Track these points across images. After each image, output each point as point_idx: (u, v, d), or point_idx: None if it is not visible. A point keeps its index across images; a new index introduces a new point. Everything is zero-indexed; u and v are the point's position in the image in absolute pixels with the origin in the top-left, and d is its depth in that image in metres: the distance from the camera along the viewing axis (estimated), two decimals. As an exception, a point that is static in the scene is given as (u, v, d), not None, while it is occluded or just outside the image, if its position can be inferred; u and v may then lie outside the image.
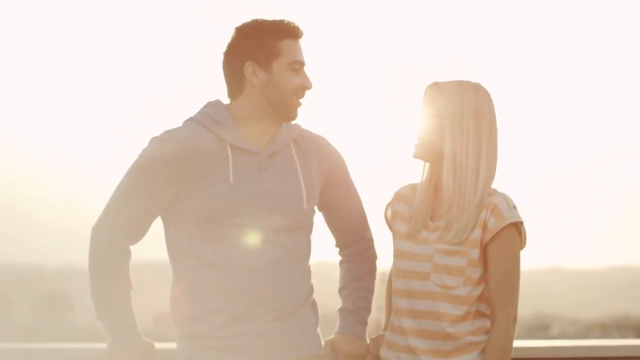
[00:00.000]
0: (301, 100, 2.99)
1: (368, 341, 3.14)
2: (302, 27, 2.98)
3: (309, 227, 3.04)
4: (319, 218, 3.11)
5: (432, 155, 2.99)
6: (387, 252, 3.11)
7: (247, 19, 3.00)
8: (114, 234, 2.94)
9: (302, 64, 2.98)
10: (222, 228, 2.93)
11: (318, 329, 3.08)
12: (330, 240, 3.19)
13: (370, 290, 3.15)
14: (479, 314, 2.98)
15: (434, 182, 3.01)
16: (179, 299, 3.00)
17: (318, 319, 3.08)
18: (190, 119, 3.01)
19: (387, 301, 3.13)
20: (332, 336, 3.13)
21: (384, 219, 3.12)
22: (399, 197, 3.09)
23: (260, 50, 2.94)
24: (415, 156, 3.03)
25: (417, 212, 3.01)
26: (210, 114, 2.98)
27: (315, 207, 3.08)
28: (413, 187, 3.08)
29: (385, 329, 3.11)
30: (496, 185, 3.00)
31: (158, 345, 3.12)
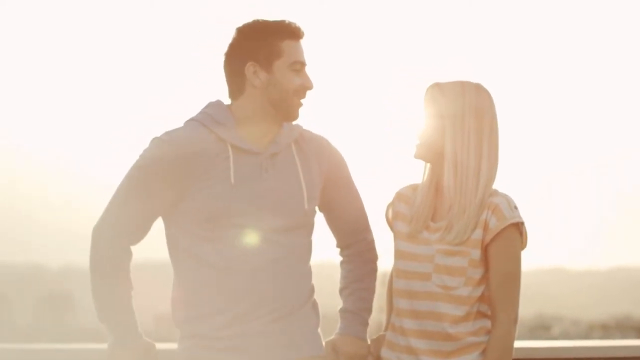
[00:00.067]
0: (302, 101, 2.99)
1: (369, 342, 3.14)
2: (303, 28, 2.98)
3: (309, 227, 3.04)
4: (320, 218, 3.11)
5: (433, 155, 2.99)
6: (388, 252, 3.11)
7: (247, 19, 3.00)
8: (115, 234, 2.94)
9: (303, 64, 2.97)
10: (223, 228, 2.92)
11: (319, 330, 3.08)
12: (331, 240, 3.19)
13: (371, 291, 3.14)
14: (480, 315, 2.97)
15: (435, 183, 3.01)
16: (179, 299, 3.00)
17: (319, 320, 3.08)
18: (191, 119, 3.00)
19: (387, 302, 3.13)
20: (333, 337, 3.13)
21: (384, 220, 3.12)
22: (400, 197, 3.08)
23: (262, 50, 2.94)
24: (417, 156, 3.02)
25: (418, 213, 3.00)
26: (211, 115, 2.98)
27: (316, 208, 3.08)
28: (414, 188, 3.08)
29: (386, 330, 3.11)
30: (497, 185, 3.00)
31: (159, 346, 3.12)
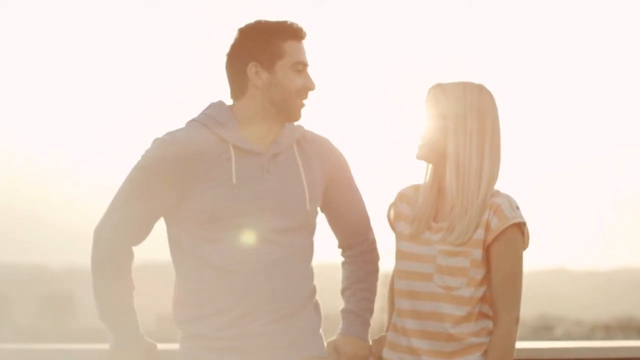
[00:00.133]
0: (304, 101, 2.99)
1: (370, 342, 3.13)
2: (305, 28, 2.97)
3: (311, 228, 3.03)
4: (321, 219, 3.11)
5: (436, 156, 2.99)
6: (389, 253, 3.11)
7: (248, 19, 3.00)
8: (116, 234, 2.94)
9: (305, 65, 2.97)
10: (224, 229, 2.92)
11: (321, 330, 3.07)
12: (333, 241, 3.19)
13: (373, 292, 3.14)
14: (482, 315, 2.97)
15: (437, 183, 3.01)
16: (180, 300, 3.00)
17: (321, 320, 3.07)
18: (193, 120, 3.00)
19: (389, 302, 3.13)
20: (334, 337, 3.13)
21: (385, 220, 3.12)
22: (401, 197, 3.08)
23: (264, 51, 2.94)
24: (419, 157, 3.02)
25: (420, 213, 3.00)
26: (212, 115, 2.98)
27: (318, 208, 3.08)
28: (416, 188, 3.07)
29: (387, 330, 3.10)
30: (498, 185, 3.00)
31: (161, 346, 3.11)
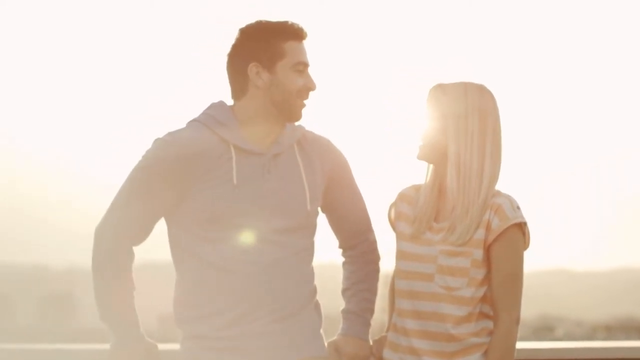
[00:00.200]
0: (305, 102, 2.99)
1: (371, 342, 3.13)
2: (305, 28, 2.97)
3: (312, 228, 3.03)
4: (322, 219, 3.10)
5: (437, 156, 2.98)
6: (390, 253, 3.11)
7: (247, 19, 3.00)
8: (117, 234, 2.94)
9: (306, 65, 2.97)
10: (225, 229, 2.92)
11: (321, 331, 3.07)
12: (334, 241, 3.18)
13: (373, 292, 3.14)
14: (482, 315, 2.97)
15: (438, 184, 3.00)
16: (181, 300, 3.00)
17: (321, 320, 3.07)
18: (194, 120, 3.00)
19: (389, 302, 3.13)
20: (335, 337, 3.13)
21: (385, 220, 3.11)
22: (402, 198, 3.08)
23: (264, 51, 2.93)
24: (420, 157, 3.02)
25: (421, 214, 3.00)
26: (213, 115, 2.98)
27: (319, 209, 3.07)
28: (417, 188, 3.07)
29: (387, 330, 3.10)
30: (499, 186, 2.99)
31: (162, 346, 3.11)
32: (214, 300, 2.93)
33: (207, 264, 2.94)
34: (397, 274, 3.04)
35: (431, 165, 3.03)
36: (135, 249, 2.99)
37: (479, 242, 2.93)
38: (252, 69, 2.95)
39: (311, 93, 2.99)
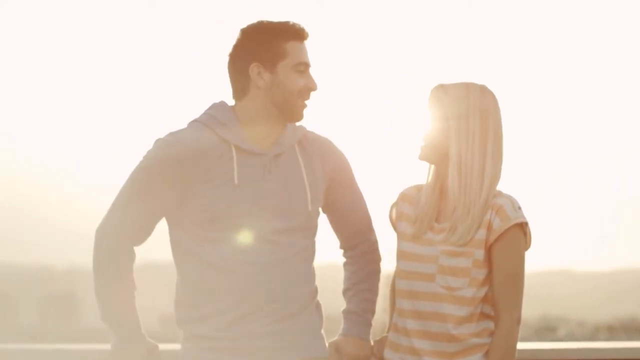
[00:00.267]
0: (306, 102, 2.99)
1: (372, 343, 3.13)
2: (307, 29, 2.97)
3: (313, 228, 3.03)
4: (323, 219, 3.10)
5: (438, 156, 2.98)
6: (391, 254, 3.11)
7: (248, 19, 3.00)
8: (118, 235, 2.94)
9: (307, 65, 2.97)
10: (226, 229, 2.92)
11: (322, 331, 3.07)
12: (335, 241, 3.18)
13: (374, 292, 3.14)
14: (484, 316, 2.97)
15: (440, 184, 3.00)
16: (181, 300, 3.00)
17: (322, 321, 3.07)
18: (195, 120, 3.00)
19: (390, 302, 3.13)
20: (336, 338, 3.13)
21: (385, 220, 3.11)
22: (404, 198, 3.08)
23: (266, 51, 2.93)
24: (421, 158, 3.02)
25: (422, 214, 3.00)
26: (214, 116, 2.98)
27: (320, 209, 3.07)
28: (418, 188, 3.07)
29: (388, 331, 3.10)
30: (501, 186, 2.99)
31: (164, 346, 3.11)
32: (215, 301, 2.93)
33: (208, 264, 2.94)
34: (398, 274, 3.04)
35: (432, 166, 3.03)
36: (137, 249, 2.99)
37: (480, 242, 2.93)
38: (254, 69, 2.95)
39: (312, 93, 2.99)
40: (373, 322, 3.15)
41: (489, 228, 2.93)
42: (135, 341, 2.95)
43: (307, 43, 2.99)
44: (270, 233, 2.94)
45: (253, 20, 2.99)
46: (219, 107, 3.01)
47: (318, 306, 3.07)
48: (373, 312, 3.14)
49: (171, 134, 2.97)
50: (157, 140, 2.96)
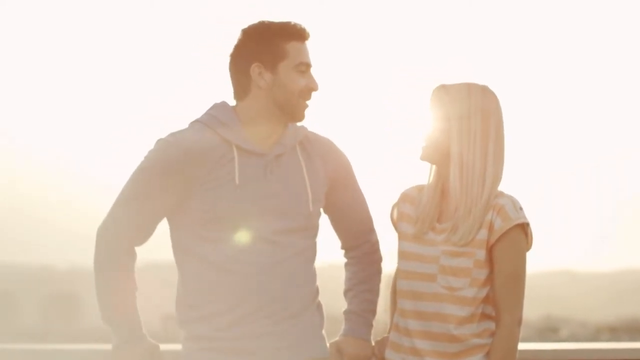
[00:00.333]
0: (308, 102, 2.99)
1: (373, 343, 3.13)
2: (308, 29, 2.97)
3: (314, 229, 3.03)
4: (324, 220, 3.10)
5: (440, 157, 2.98)
6: (391, 254, 3.11)
7: (248, 19, 3.00)
8: (119, 235, 2.94)
9: (308, 65, 2.97)
10: (227, 229, 2.92)
11: (323, 331, 3.07)
12: (336, 242, 3.18)
13: (375, 293, 3.14)
14: (485, 316, 2.97)
15: (441, 184, 3.00)
16: (182, 300, 3.00)
17: (323, 321, 3.07)
18: (196, 120, 3.00)
19: (391, 302, 3.13)
20: (337, 338, 3.13)
21: (386, 220, 3.11)
22: (405, 198, 3.08)
23: (267, 51, 2.93)
24: (422, 158, 3.02)
25: (423, 214, 3.00)
26: (216, 116, 2.98)
27: (321, 210, 3.07)
28: (420, 189, 3.07)
29: (389, 331, 3.10)
30: (501, 186, 2.99)
31: (166, 347, 3.11)
32: (215, 301, 2.93)
33: (209, 264, 2.94)
34: (399, 274, 3.04)
35: (434, 166, 3.03)
36: (138, 249, 2.99)
37: (481, 243, 2.93)
38: (255, 69, 2.95)
39: (313, 93, 2.99)
40: (374, 323, 3.16)
41: (490, 228, 2.93)
42: (136, 341, 2.95)
43: (308, 43, 2.99)
44: (271, 233, 2.94)
45: (253, 20, 2.99)
46: (220, 108, 3.01)
47: (319, 307, 3.07)
48: (374, 312, 3.14)
49: (172, 134, 2.97)
50: (158, 141, 2.96)
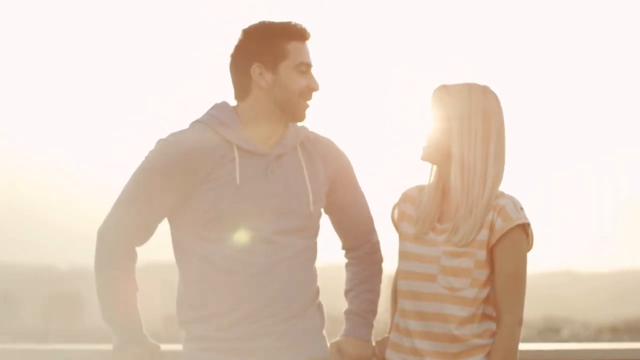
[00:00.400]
0: (308, 102, 2.99)
1: (374, 343, 3.13)
2: (309, 29, 2.97)
3: (315, 229, 3.03)
4: (325, 220, 3.10)
5: (440, 157, 2.98)
6: (392, 255, 3.11)
7: (247, 19, 3.00)
8: (119, 235, 2.94)
9: (309, 65, 2.97)
10: (227, 229, 2.92)
11: (324, 332, 3.07)
12: (337, 242, 3.18)
13: (376, 293, 3.14)
14: (485, 317, 2.97)
15: (442, 185, 3.00)
16: (183, 301, 3.00)
17: (324, 321, 3.07)
18: (197, 121, 3.00)
19: (392, 303, 3.13)
20: (337, 338, 3.13)
21: (385, 221, 3.11)
22: (406, 198, 3.08)
23: (267, 52, 2.93)
24: (423, 158, 3.02)
25: (424, 214, 3.00)
26: (216, 116, 2.98)
27: (322, 210, 3.07)
28: (420, 189, 3.07)
29: (390, 331, 3.10)
30: (503, 187, 2.99)
31: (166, 347, 3.11)
32: (216, 301, 2.93)
33: (209, 264, 2.93)
34: (400, 274, 3.04)
35: (435, 166, 3.02)
36: (139, 249, 2.99)
37: (482, 243, 2.93)
38: (255, 69, 2.95)
39: (314, 93, 2.99)
40: (375, 323, 3.15)
41: (491, 229, 2.93)
42: (137, 342, 2.95)
43: (309, 43, 2.98)
44: (271, 234, 2.94)
45: (253, 20, 2.99)
46: (221, 108, 3.01)
47: (320, 307, 3.06)
48: (375, 313, 3.14)
49: (173, 134, 2.97)
50: (159, 141, 2.96)
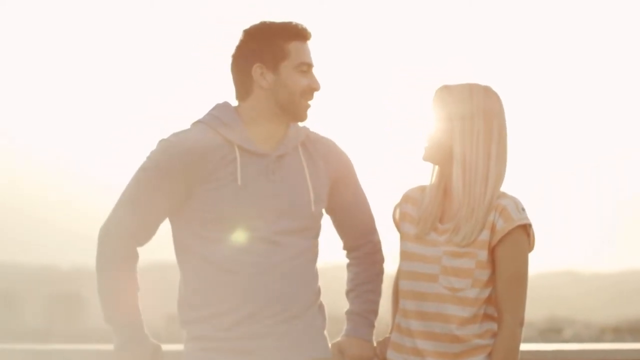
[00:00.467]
0: (310, 102, 2.98)
1: (375, 344, 3.13)
2: (309, 29, 2.97)
3: (316, 229, 3.03)
4: (326, 220, 3.10)
5: (442, 157, 2.98)
6: (392, 255, 3.10)
7: (248, 19, 2.99)
8: (121, 235, 2.93)
9: (310, 65, 2.97)
10: (229, 230, 2.92)
11: (325, 332, 3.07)
12: (338, 242, 3.18)
13: (378, 293, 3.14)
14: (487, 317, 2.96)
15: (444, 185, 3.00)
16: (185, 301, 3.00)
17: (325, 322, 3.07)
18: (198, 121, 3.00)
19: (393, 303, 3.12)
20: (339, 339, 3.12)
21: (389, 220, 3.11)
22: (407, 198, 3.07)
23: (268, 52, 2.93)
24: (425, 159, 3.01)
25: (426, 214, 2.99)
26: (218, 116, 2.97)
27: (323, 210, 3.07)
28: (422, 189, 3.07)
29: (391, 331, 3.10)
30: (504, 187, 2.99)
31: (168, 347, 3.11)
32: (217, 301, 2.93)
33: (211, 264, 2.93)
34: (401, 274, 3.04)
35: (436, 166, 3.02)
36: (140, 249, 2.99)
37: (483, 243, 2.93)
38: (256, 69, 2.94)
39: (315, 93, 2.99)
40: (376, 323, 3.15)
41: (493, 229, 2.93)
42: (138, 342, 2.94)
43: (309, 43, 2.98)
44: (273, 234, 2.93)
45: (254, 20, 2.99)
46: (222, 108, 3.00)
47: (321, 307, 3.06)
48: (376, 313, 3.14)
49: (174, 134, 2.96)
50: (161, 141, 2.96)
